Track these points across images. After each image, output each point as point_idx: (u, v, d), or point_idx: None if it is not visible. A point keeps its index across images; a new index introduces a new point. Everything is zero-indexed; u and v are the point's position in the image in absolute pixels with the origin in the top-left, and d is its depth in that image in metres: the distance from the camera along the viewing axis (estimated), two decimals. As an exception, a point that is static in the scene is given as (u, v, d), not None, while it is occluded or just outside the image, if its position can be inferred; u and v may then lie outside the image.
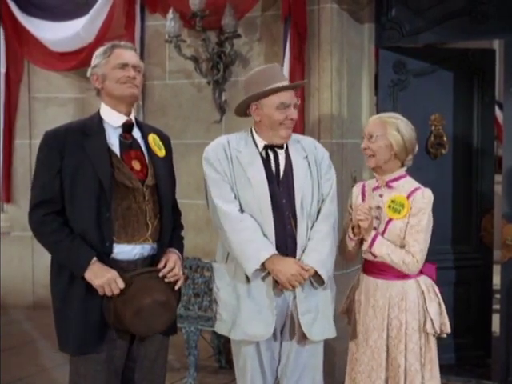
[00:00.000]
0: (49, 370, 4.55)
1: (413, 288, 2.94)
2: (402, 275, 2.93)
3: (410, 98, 4.47)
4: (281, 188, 2.93)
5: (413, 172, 3.09)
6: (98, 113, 2.77)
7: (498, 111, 6.39)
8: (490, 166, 4.71)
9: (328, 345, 3.20)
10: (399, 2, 4.40)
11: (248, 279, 2.87)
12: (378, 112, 4.29)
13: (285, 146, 2.99)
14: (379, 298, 2.96)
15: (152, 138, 2.82)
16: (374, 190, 3.03)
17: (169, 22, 4.69)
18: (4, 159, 5.87)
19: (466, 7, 4.22)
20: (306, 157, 3.00)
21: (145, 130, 2.83)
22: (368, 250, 2.95)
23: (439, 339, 3.04)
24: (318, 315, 2.95)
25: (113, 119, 2.73)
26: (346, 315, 3.17)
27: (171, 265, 2.72)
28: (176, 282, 2.75)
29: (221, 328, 3.02)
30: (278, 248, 2.87)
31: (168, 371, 2.96)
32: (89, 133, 2.68)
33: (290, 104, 2.92)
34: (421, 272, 2.97)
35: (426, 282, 2.97)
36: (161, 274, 2.69)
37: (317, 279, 2.92)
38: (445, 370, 3.86)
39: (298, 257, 2.90)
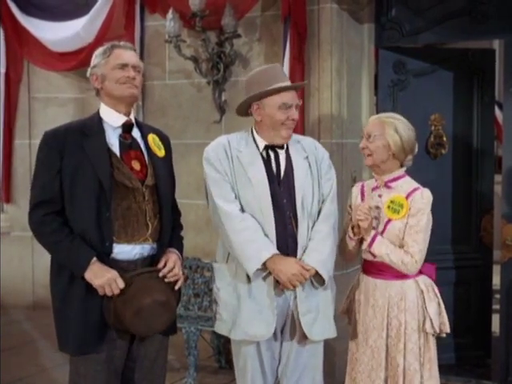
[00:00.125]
0: (49, 370, 4.55)
1: (412, 288, 2.94)
2: (401, 275, 2.93)
3: (410, 98, 4.47)
4: (281, 188, 2.93)
5: (412, 172, 3.09)
6: (98, 113, 2.77)
7: (497, 111, 6.39)
8: (490, 166, 4.71)
9: (328, 345, 3.20)
10: (399, 2, 4.40)
11: (249, 279, 2.88)
12: (377, 112, 4.29)
13: (285, 147, 2.99)
14: (378, 297, 2.97)
15: (152, 138, 2.82)
16: (373, 190, 3.03)
17: (168, 22, 4.69)
18: (4, 159, 5.87)
19: (465, 7, 4.22)
20: (307, 157, 3.00)
21: (144, 130, 2.83)
22: (367, 250, 2.95)
23: (439, 339, 3.04)
24: (318, 315, 2.95)
25: (112, 119, 2.74)
26: (346, 315, 3.17)
27: (171, 265, 2.72)
28: (176, 281, 2.75)
29: (221, 328, 3.02)
30: (278, 248, 2.88)
31: (168, 371, 2.96)
32: (88, 133, 2.68)
33: (292, 104, 2.92)
34: (420, 272, 2.97)
35: (425, 281, 2.97)
36: (161, 274, 2.69)
37: (317, 279, 2.92)
38: (444, 369, 3.86)
39: (298, 257, 2.90)
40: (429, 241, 2.96)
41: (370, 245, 2.91)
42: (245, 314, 2.90)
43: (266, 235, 2.87)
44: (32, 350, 4.96)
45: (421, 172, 3.37)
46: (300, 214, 2.92)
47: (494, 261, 4.69)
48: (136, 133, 2.79)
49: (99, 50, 2.77)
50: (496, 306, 4.67)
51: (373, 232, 2.92)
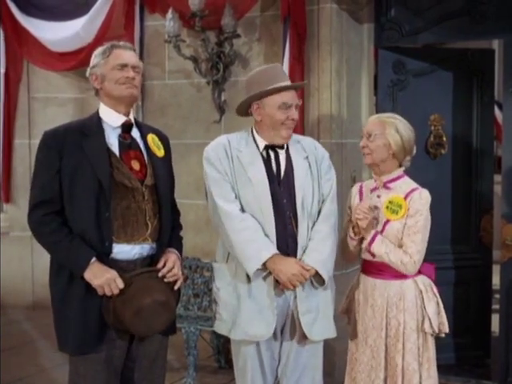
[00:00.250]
0: (48, 369, 4.55)
1: (411, 288, 2.94)
2: (400, 275, 2.94)
3: (410, 98, 4.47)
4: (281, 188, 2.93)
5: (412, 172, 3.09)
6: (97, 113, 2.77)
7: (497, 111, 6.38)
8: (490, 166, 4.71)
9: (328, 345, 3.21)
10: (398, 2, 4.40)
11: (249, 279, 2.88)
12: (377, 112, 4.28)
13: (285, 146, 2.99)
14: (377, 297, 2.97)
15: (151, 138, 2.82)
16: (371, 190, 3.04)
17: (168, 22, 4.69)
18: (3, 159, 5.87)
19: (465, 7, 4.22)
20: (307, 157, 3.00)
21: (144, 130, 2.83)
22: (367, 249, 2.95)
23: (438, 339, 3.04)
24: (318, 315, 2.95)
25: (112, 119, 2.73)
26: (346, 315, 3.18)
27: (170, 265, 2.72)
28: (175, 281, 2.75)
29: (221, 328, 3.02)
30: (278, 248, 2.88)
31: (167, 371, 2.96)
32: (88, 133, 2.68)
33: (292, 104, 2.92)
34: (419, 272, 2.97)
35: (424, 281, 2.98)
36: (160, 274, 2.69)
37: (317, 279, 2.93)
38: (444, 369, 3.87)
39: (298, 257, 2.90)
40: (428, 241, 2.96)
41: (370, 244, 2.92)
42: (245, 313, 2.90)
43: (266, 235, 2.87)
44: (32, 349, 4.96)
45: (420, 172, 3.37)
46: (300, 213, 2.92)
47: (494, 261, 4.69)
48: (135, 133, 2.79)
49: (99, 50, 2.77)
50: (495, 306, 4.67)
51: (373, 231, 2.92)
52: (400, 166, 3.00)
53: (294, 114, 2.93)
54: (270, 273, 2.87)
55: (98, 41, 4.93)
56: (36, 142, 2.78)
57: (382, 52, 4.50)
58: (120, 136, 2.73)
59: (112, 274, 2.59)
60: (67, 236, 2.61)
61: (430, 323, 2.92)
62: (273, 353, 3.00)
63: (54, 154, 2.64)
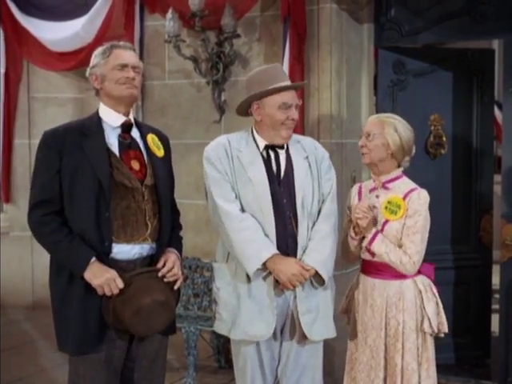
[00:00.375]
0: (48, 369, 4.55)
1: (410, 288, 2.94)
2: (399, 275, 2.94)
3: (410, 98, 4.47)
4: (281, 188, 2.94)
5: (412, 172, 3.09)
6: (97, 113, 2.77)
7: (497, 111, 6.38)
8: (490, 166, 4.71)
9: (327, 344, 3.21)
10: (398, 2, 4.40)
11: (249, 279, 2.88)
12: (377, 112, 4.29)
13: (285, 146, 2.99)
14: (377, 297, 2.97)
15: (151, 138, 2.82)
16: (370, 191, 3.04)
17: (168, 22, 4.69)
18: (3, 159, 5.87)
19: (465, 7, 4.22)
20: (307, 157, 3.00)
21: (144, 130, 2.83)
22: (367, 248, 2.95)
23: (438, 339, 3.04)
24: (318, 315, 2.95)
25: (112, 119, 2.73)
26: (346, 315, 3.18)
27: (170, 265, 2.72)
28: (175, 281, 2.75)
29: (221, 328, 3.02)
30: (278, 248, 2.88)
31: (167, 371, 2.96)
32: (88, 133, 2.68)
33: (292, 104, 2.92)
34: (419, 272, 2.97)
35: (423, 281, 2.97)
36: (160, 274, 2.69)
37: (317, 279, 2.93)
38: (444, 369, 3.87)
39: (298, 257, 2.90)
40: (428, 241, 2.96)
41: (370, 243, 2.92)
42: (244, 313, 2.90)
43: (266, 235, 2.87)
44: (32, 350, 4.96)
45: (420, 172, 3.37)
46: (300, 213, 2.92)
47: (494, 261, 4.69)
48: (135, 133, 2.79)
49: (99, 50, 2.76)
50: (495, 306, 4.67)
51: (373, 230, 2.92)
52: (399, 166, 2.99)
53: (294, 114, 2.93)
54: (269, 273, 2.87)
55: (97, 41, 4.93)
56: (36, 142, 2.78)
57: (382, 52, 4.50)
58: (120, 136, 2.73)
59: (112, 273, 2.59)
60: (67, 236, 2.61)
61: (430, 323, 2.92)
62: (273, 353, 3.00)
63: (53, 153, 2.64)
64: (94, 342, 2.63)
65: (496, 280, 4.43)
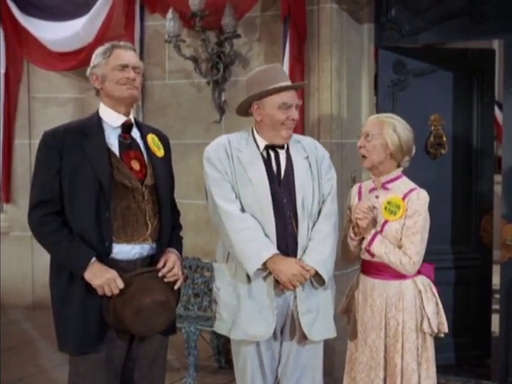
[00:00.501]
0: (48, 369, 4.55)
1: (410, 288, 2.94)
2: (399, 275, 2.93)
3: (410, 98, 4.47)
4: (282, 188, 2.93)
5: (412, 172, 3.09)
6: (97, 113, 2.77)
7: (497, 111, 6.38)
8: (490, 166, 4.71)
9: (327, 344, 3.20)
10: (398, 2, 4.40)
11: (249, 279, 2.88)
12: (377, 112, 4.29)
13: (285, 146, 2.99)
14: (376, 297, 2.97)
15: (151, 138, 2.82)
16: (370, 191, 3.03)
17: (168, 22, 4.69)
18: (4, 159, 5.87)
19: (465, 7, 4.22)
20: (307, 157, 3.00)
21: (144, 131, 2.83)
22: (367, 249, 2.95)
23: (438, 339, 3.04)
24: (318, 315, 2.95)
25: (112, 119, 2.73)
26: (346, 315, 3.17)
27: (170, 265, 2.72)
28: (175, 281, 2.75)
29: (221, 328, 3.02)
30: (278, 248, 2.88)
31: (167, 371, 2.96)
32: (88, 133, 2.68)
33: (292, 104, 2.92)
34: (419, 272, 2.97)
35: (423, 281, 2.97)
36: (160, 274, 2.69)
37: (317, 279, 2.92)
38: (444, 369, 3.87)
39: (298, 257, 2.90)
40: (428, 241, 2.96)
41: (370, 244, 2.92)
42: (245, 313, 2.90)
43: (267, 235, 2.87)
44: (32, 350, 4.96)
45: (420, 172, 3.37)
46: (300, 213, 2.92)
47: (494, 261, 4.69)
48: (135, 133, 2.79)
49: (99, 50, 2.76)
50: (495, 306, 4.67)
51: (373, 231, 2.92)
52: (398, 166, 2.99)
53: (294, 114, 2.93)
54: (269, 273, 2.87)
55: (98, 41, 4.93)
56: (36, 142, 2.78)
57: (382, 52, 4.51)
58: (120, 136, 2.73)
59: (112, 273, 2.59)
60: (67, 236, 2.61)
61: (429, 323, 2.92)
62: (273, 353, 3.00)
63: (53, 153, 2.64)
64: (95, 342, 2.63)
65: (496, 280, 4.43)
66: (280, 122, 2.90)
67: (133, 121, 2.80)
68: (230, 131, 3.32)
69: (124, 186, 2.66)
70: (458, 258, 4.60)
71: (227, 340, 3.69)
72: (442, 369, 3.12)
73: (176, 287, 2.76)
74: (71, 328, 2.64)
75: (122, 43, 2.79)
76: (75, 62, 5.45)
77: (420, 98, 4.48)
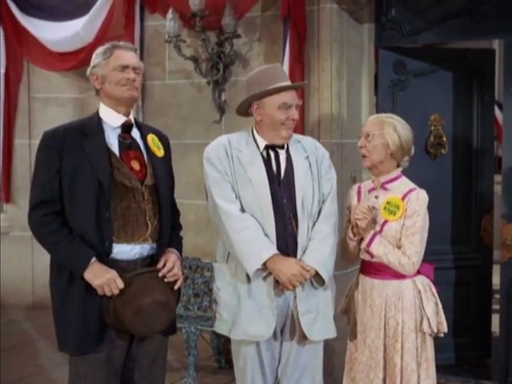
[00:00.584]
0: (48, 370, 4.55)
1: (409, 288, 2.94)
2: (398, 275, 2.94)
3: (410, 98, 4.47)
4: (282, 188, 2.93)
5: (412, 172, 3.09)
6: (97, 113, 2.77)
7: (497, 111, 6.39)
8: (490, 166, 4.71)
9: (327, 344, 3.20)
10: (399, 2, 4.40)
11: (249, 279, 2.87)
12: (377, 112, 4.29)
13: (286, 146, 2.99)
14: (376, 297, 2.97)
15: (151, 138, 2.82)
16: (369, 191, 3.03)
17: (168, 22, 4.69)
18: (4, 159, 5.88)
19: (465, 7, 4.22)
20: (307, 157, 3.00)
21: (144, 131, 2.83)
22: (366, 249, 2.95)
23: (438, 339, 3.04)
24: (318, 315, 2.95)
25: (112, 119, 2.73)
26: (345, 315, 3.17)
27: (170, 265, 2.72)
28: (175, 281, 2.75)
29: (221, 328, 3.02)
30: (278, 248, 2.87)
31: (167, 371, 2.96)
32: (88, 133, 2.68)
33: (292, 104, 2.92)
34: (418, 272, 2.97)
35: (422, 281, 2.97)
36: (160, 274, 2.69)
37: (317, 279, 2.92)
38: (444, 369, 3.87)
39: (298, 257, 2.90)
40: (428, 241, 2.96)
41: (369, 244, 2.92)
42: (245, 313, 2.90)
43: (266, 235, 2.87)
44: (32, 350, 4.96)
45: (420, 172, 3.37)
46: (300, 214, 2.92)
47: (494, 261, 4.69)
48: (135, 133, 2.79)
49: (100, 50, 2.76)
50: (496, 306, 4.67)
51: (372, 231, 2.92)
52: (398, 166, 2.99)
53: (294, 114, 2.93)
54: (269, 273, 2.87)
55: (98, 41, 4.93)
56: (36, 142, 2.78)
57: (383, 52, 4.51)
58: (120, 136, 2.74)
59: (112, 274, 2.59)
60: (67, 236, 2.61)
61: (429, 323, 2.92)
62: (273, 353, 3.00)
63: (54, 153, 2.64)
64: (95, 342, 2.63)
65: (496, 280, 4.43)
66: (280, 122, 2.90)
67: (133, 121, 2.80)
68: (229, 131, 3.32)
69: (124, 186, 2.66)
70: (458, 258, 4.60)
71: (227, 340, 3.69)
72: (441, 369, 3.12)
73: (176, 287, 2.76)
74: (71, 328, 2.64)
75: (122, 43, 2.79)
76: (75, 62, 5.45)
77: (420, 98, 4.48)
